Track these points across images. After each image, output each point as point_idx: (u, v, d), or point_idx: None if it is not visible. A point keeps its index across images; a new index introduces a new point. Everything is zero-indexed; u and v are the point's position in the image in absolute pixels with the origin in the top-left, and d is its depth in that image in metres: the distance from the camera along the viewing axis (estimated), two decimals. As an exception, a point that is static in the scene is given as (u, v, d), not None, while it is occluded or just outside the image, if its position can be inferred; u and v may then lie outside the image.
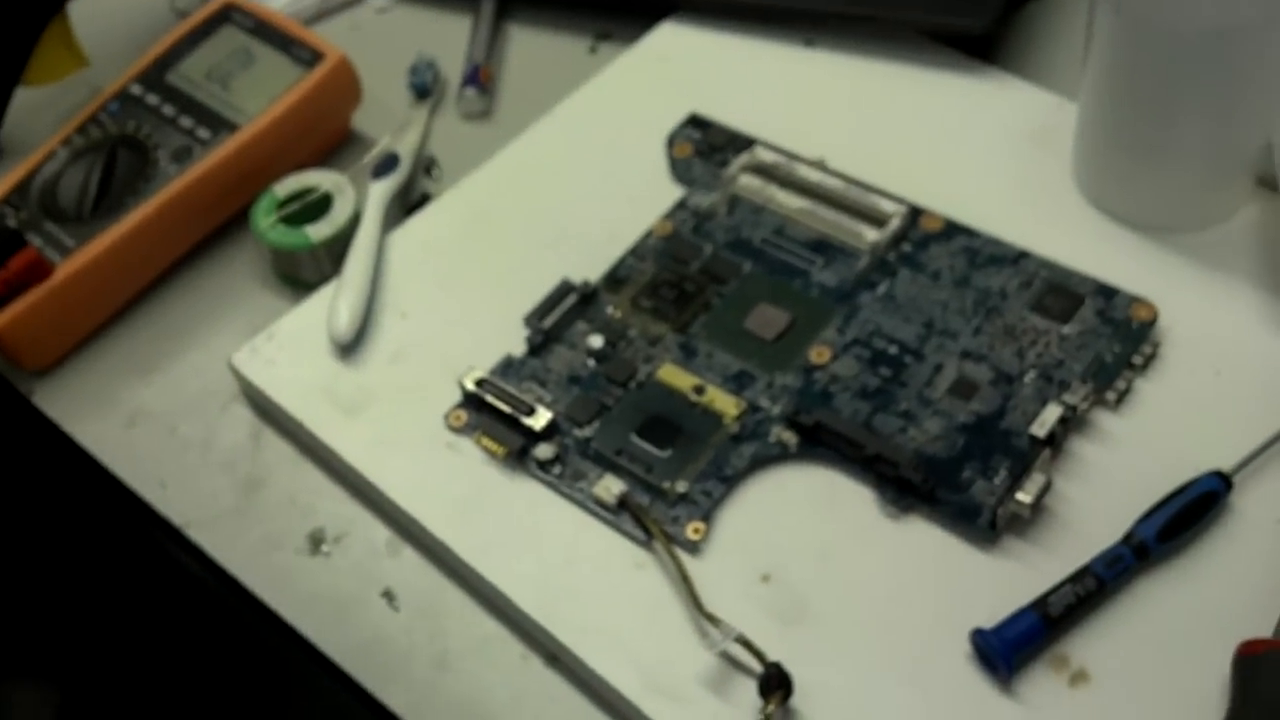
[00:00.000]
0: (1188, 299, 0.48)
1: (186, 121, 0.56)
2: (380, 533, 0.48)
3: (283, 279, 0.55)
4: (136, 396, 0.53)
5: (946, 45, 0.58)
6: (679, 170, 0.55)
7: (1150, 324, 0.47)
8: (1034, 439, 0.43)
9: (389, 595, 0.46)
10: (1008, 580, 0.42)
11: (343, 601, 0.46)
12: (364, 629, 0.45)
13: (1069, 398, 0.44)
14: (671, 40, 0.61)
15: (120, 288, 0.55)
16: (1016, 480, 0.43)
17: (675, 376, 0.48)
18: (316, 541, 0.48)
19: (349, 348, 0.51)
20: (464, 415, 0.48)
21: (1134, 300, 0.47)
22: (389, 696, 0.44)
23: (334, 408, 0.49)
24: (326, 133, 0.59)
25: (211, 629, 0.47)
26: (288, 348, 0.52)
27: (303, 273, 0.55)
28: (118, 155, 0.55)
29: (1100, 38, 0.47)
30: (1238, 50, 0.45)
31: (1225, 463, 0.43)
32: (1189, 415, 0.45)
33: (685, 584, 0.42)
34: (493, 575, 0.44)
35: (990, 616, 0.41)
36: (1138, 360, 0.46)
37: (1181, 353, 0.47)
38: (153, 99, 0.57)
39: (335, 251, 0.54)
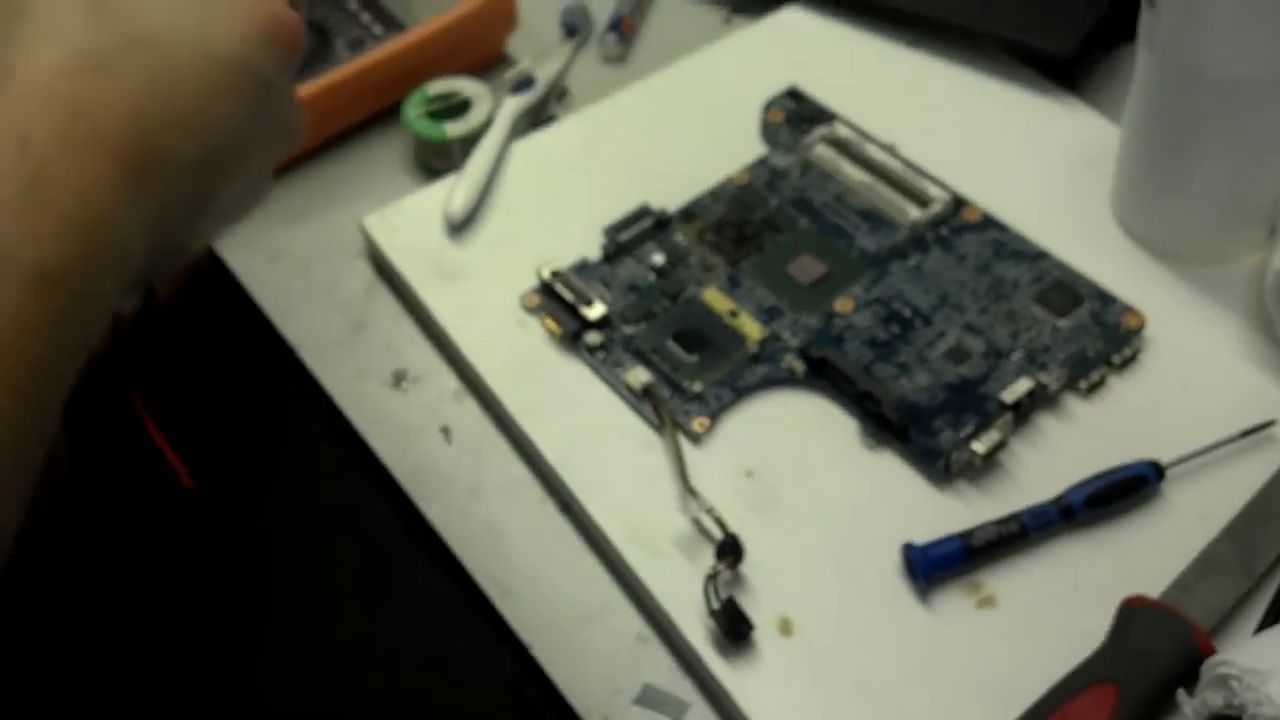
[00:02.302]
0: (1180, 320, 0.54)
1: (366, 18, 0.66)
2: (451, 382, 0.57)
3: (421, 165, 0.65)
4: (281, 239, 0.63)
5: (1032, 67, 0.64)
6: (768, 133, 0.63)
7: (1137, 331, 0.53)
8: (1001, 403, 0.50)
9: (446, 431, 0.55)
10: (949, 515, 0.49)
11: (409, 430, 0.55)
12: (421, 455, 0.54)
13: (1043, 377, 0.51)
14: (793, 21, 0.68)
15: (286, 147, 0.65)
16: (976, 433, 0.50)
17: (717, 300, 0.55)
18: (399, 378, 0.57)
19: (458, 228, 0.60)
20: (536, 299, 0.57)
21: (1128, 309, 0.53)
22: (429, 510, 0.53)
23: (436, 274, 0.59)
24: (481, 51, 0.68)
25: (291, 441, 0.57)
26: (410, 220, 0.61)
27: (437, 162, 0.64)
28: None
29: (1138, 73, 0.53)
30: (1260, 100, 0.50)
31: (1167, 458, 0.49)
32: (1149, 415, 0.51)
33: (679, 461, 0.50)
34: (531, 430, 0.53)
35: (926, 540, 0.48)
36: (1117, 360, 0.52)
37: (1159, 362, 0.53)
38: (344, -5, 0.67)
39: (467, 148, 0.63)
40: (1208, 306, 0.54)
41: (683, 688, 0.47)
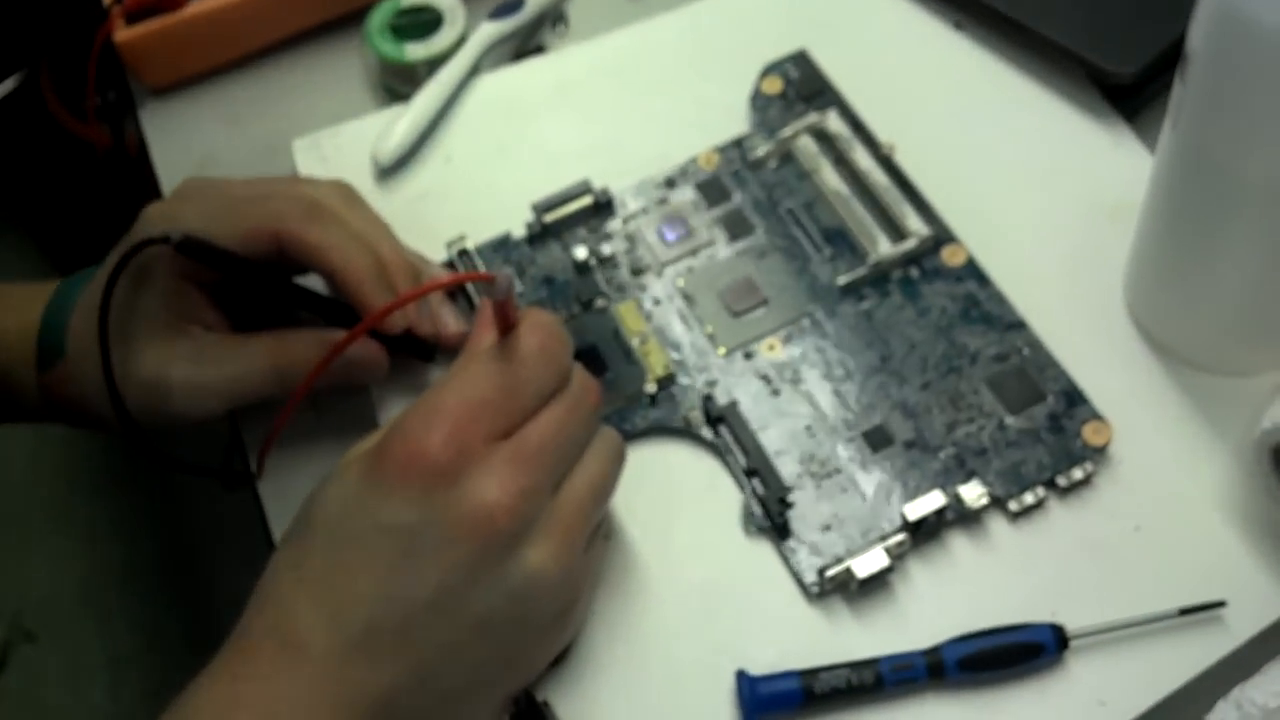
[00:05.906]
0: (1160, 442, 0.44)
1: (346, -96, 0.58)
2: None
3: (383, 86, 0.58)
4: (214, 142, 0.57)
5: (1093, 85, 0.53)
6: (757, 104, 0.53)
7: (1099, 449, 0.44)
8: (903, 517, 0.42)
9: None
10: (811, 634, 0.42)
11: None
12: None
13: (964, 491, 0.43)
14: (832, -31, 0.58)
15: (240, 39, 0.59)
16: (865, 548, 0.42)
17: (630, 318, 0.48)
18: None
19: (387, 172, 0.54)
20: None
21: (1094, 417, 0.44)
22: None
23: (349, 222, 0.53)
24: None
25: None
26: (342, 150, 0.55)
27: (399, 85, 0.57)
28: (278, -82, 0.58)
29: (1161, 148, 0.42)
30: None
31: (1083, 621, 0.41)
32: (1081, 558, 0.43)
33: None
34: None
35: (773, 662, 0.41)
36: (1063, 481, 0.43)
37: (1116, 492, 0.44)
38: (332, -125, 0.59)
39: (434, 71, 0.56)
40: (1200, 431, 0.45)
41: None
